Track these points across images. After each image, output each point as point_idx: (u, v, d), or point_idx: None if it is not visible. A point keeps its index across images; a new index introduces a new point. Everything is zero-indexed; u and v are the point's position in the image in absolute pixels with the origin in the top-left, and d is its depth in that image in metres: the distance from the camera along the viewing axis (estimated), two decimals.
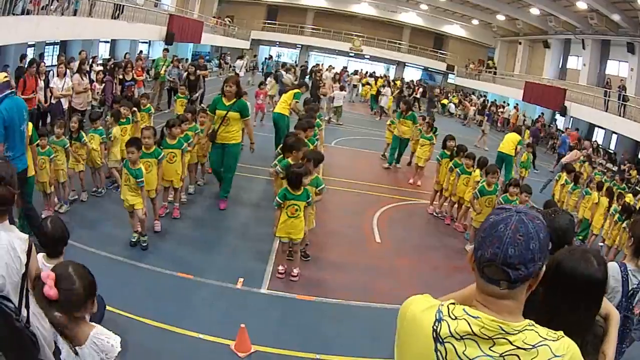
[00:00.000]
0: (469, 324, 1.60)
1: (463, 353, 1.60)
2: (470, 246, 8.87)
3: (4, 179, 3.08)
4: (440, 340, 1.62)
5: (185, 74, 16.75)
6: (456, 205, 10.34)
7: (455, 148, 10.61)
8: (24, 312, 3.05)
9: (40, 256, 3.66)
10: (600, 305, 2.53)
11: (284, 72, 22.38)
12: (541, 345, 1.59)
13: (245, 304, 6.22)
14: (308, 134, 9.13)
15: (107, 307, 4.52)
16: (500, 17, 35.60)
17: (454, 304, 1.69)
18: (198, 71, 16.58)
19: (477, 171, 9.75)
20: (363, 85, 31.51)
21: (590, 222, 10.83)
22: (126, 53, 19.79)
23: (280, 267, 6.98)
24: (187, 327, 5.39)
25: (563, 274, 2.44)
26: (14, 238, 3.07)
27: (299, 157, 7.41)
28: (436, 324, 1.64)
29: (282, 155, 7.78)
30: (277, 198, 6.64)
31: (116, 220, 7.78)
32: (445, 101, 33.65)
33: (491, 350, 1.58)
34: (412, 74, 44.21)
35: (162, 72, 17.70)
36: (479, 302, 1.69)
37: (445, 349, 1.61)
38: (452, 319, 1.63)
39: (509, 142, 13.86)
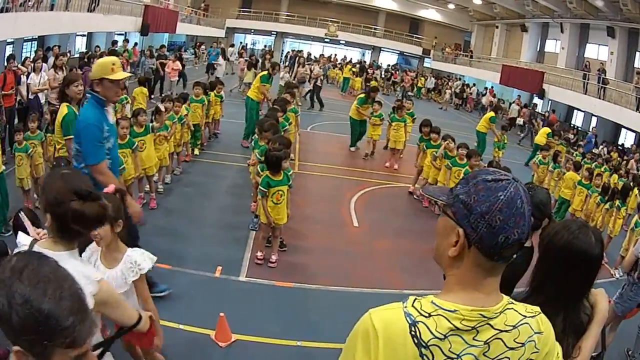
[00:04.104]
0: (448, 319, 1.50)
1: (449, 350, 1.50)
2: None
3: (89, 195, 2.42)
4: (424, 344, 1.49)
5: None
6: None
7: (429, 132, 10.79)
8: None
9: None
10: (592, 284, 2.42)
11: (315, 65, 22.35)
12: (522, 324, 1.56)
13: (225, 293, 6.16)
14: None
15: None
16: (477, 1, 35.62)
17: (416, 299, 1.56)
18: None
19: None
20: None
21: (571, 202, 10.92)
22: (96, 46, 19.57)
23: (259, 254, 6.94)
24: (167, 317, 5.27)
25: (558, 248, 2.36)
26: (80, 275, 2.27)
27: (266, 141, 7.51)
28: (412, 329, 1.50)
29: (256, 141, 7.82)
30: (260, 187, 6.57)
31: None
32: (421, 84, 33.78)
33: (475, 340, 1.51)
34: (387, 59, 44.22)
35: None
36: (468, 284, 1.56)
37: (431, 352, 1.49)
38: (426, 317, 1.51)
39: (482, 121, 14.38)
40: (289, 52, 38.98)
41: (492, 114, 15.41)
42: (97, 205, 2.41)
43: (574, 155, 16.39)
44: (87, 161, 4.64)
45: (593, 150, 21.58)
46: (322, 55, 34.80)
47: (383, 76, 34.21)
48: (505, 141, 15.31)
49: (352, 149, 14.52)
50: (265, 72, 12.91)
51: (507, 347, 1.54)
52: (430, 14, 42.54)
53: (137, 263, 3.48)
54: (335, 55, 38.02)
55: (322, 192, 10.70)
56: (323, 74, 22.79)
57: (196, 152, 11.59)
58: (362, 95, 13.98)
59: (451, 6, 39.91)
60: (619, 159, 20.05)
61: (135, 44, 20.70)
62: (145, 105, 11.92)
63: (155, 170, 8.41)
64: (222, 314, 5.13)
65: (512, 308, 1.58)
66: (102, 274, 3.12)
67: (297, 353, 5.20)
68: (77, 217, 2.33)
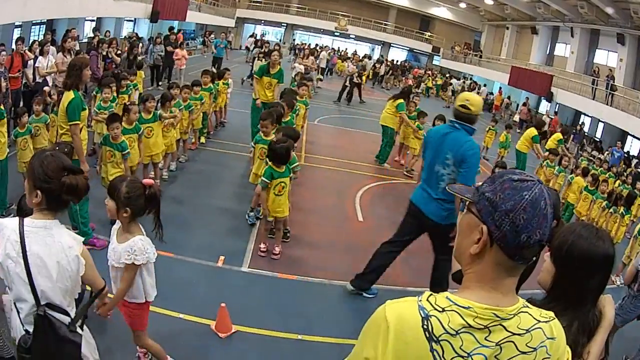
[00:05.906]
0: (461, 316, 1.51)
1: (460, 348, 1.51)
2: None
3: (78, 170, 2.88)
4: (435, 339, 1.50)
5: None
6: None
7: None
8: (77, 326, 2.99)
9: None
10: (607, 281, 2.45)
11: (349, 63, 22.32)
12: (535, 329, 1.56)
13: (226, 283, 6.14)
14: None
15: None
16: (489, 2, 35.52)
17: (431, 294, 1.57)
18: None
19: None
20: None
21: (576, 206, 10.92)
22: (107, 31, 19.53)
23: (262, 245, 6.92)
24: (167, 306, 5.25)
25: (577, 256, 2.34)
26: (68, 237, 2.86)
27: (269, 131, 7.57)
28: (425, 323, 1.51)
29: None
30: (263, 178, 6.49)
31: (96, 199, 7.62)
32: (429, 83, 33.73)
33: (487, 340, 1.51)
34: (397, 55, 44.21)
35: None
36: (486, 283, 1.57)
37: (442, 347, 1.50)
38: (439, 311, 1.52)
39: (522, 139, 13.71)
40: (297, 44, 39.15)
41: (534, 132, 13.49)
42: (83, 178, 2.85)
43: (580, 160, 16.34)
44: (468, 184, 4.93)
45: (600, 157, 21.55)
46: (354, 53, 35.22)
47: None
48: (510, 140, 15.29)
49: (386, 165, 12.82)
50: (264, 63, 11.42)
51: (519, 350, 1.54)
52: (441, 12, 42.52)
53: (135, 252, 3.61)
54: (346, 49, 38.01)
55: (328, 185, 10.67)
56: (358, 70, 22.60)
57: (202, 140, 11.59)
58: (401, 101, 12.34)
59: (462, 5, 39.86)
60: (624, 165, 20.02)
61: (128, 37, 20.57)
62: (142, 88, 11.98)
63: (161, 157, 8.41)
64: (223, 305, 5.10)
65: (527, 312, 1.58)
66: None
67: (298, 346, 5.16)
68: (72, 189, 2.76)
